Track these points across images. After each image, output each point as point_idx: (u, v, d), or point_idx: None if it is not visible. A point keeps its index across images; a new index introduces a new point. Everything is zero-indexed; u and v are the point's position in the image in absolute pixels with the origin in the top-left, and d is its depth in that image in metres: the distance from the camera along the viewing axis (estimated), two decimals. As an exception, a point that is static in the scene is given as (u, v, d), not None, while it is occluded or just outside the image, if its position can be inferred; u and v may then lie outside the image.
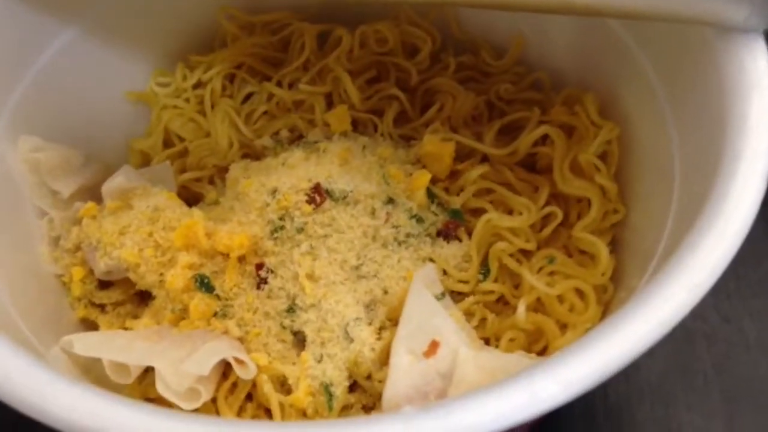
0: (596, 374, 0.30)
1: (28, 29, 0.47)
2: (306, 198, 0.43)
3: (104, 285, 0.48)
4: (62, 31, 0.49)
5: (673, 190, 0.42)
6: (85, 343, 0.41)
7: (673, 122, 0.44)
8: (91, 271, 0.47)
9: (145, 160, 0.55)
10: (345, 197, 0.44)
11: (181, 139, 0.54)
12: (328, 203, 0.43)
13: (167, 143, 0.55)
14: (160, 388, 0.39)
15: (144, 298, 0.48)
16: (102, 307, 0.48)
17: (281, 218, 0.44)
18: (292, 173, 0.45)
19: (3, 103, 0.46)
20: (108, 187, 0.48)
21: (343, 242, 0.43)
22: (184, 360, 0.39)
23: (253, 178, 0.46)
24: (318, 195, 0.43)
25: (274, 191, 0.44)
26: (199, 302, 0.43)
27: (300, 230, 0.43)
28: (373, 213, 0.44)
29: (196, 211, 0.46)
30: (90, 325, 0.47)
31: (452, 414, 0.28)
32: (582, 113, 0.49)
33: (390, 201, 0.45)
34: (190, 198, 0.52)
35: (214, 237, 0.44)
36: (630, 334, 0.31)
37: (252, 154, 0.52)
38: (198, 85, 0.55)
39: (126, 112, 0.55)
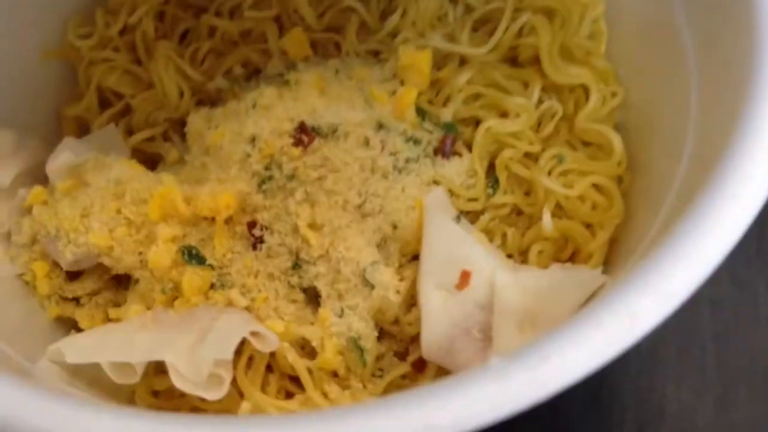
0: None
1: None
2: (292, 140, 0.38)
3: (73, 276, 0.42)
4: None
5: (682, 56, 0.39)
6: (78, 349, 0.36)
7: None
8: (56, 264, 0.41)
9: (82, 127, 0.48)
10: (335, 131, 0.39)
11: (120, 96, 0.47)
12: (317, 142, 0.38)
13: (103, 103, 0.48)
14: (177, 382, 0.34)
15: (122, 281, 0.42)
16: (76, 301, 0.42)
17: (267, 167, 0.39)
18: (269, 115, 0.39)
19: None
20: (53, 166, 0.41)
21: (341, 181, 0.38)
22: (196, 346, 0.35)
23: (223, 128, 0.40)
24: (305, 135, 0.38)
25: (252, 139, 0.39)
26: (191, 277, 0.38)
27: (291, 177, 0.38)
28: (367, 143, 0.39)
29: (165, 176, 0.40)
30: (67, 323, 0.42)
31: (548, 359, 0.25)
32: (561, -7, 0.45)
33: (381, 126, 0.40)
34: (147, 161, 0.46)
35: (195, 202, 0.39)
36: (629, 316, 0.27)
37: (206, 99, 0.46)
38: (124, 30, 0.48)
39: (48, 75, 0.47)
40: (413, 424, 0.24)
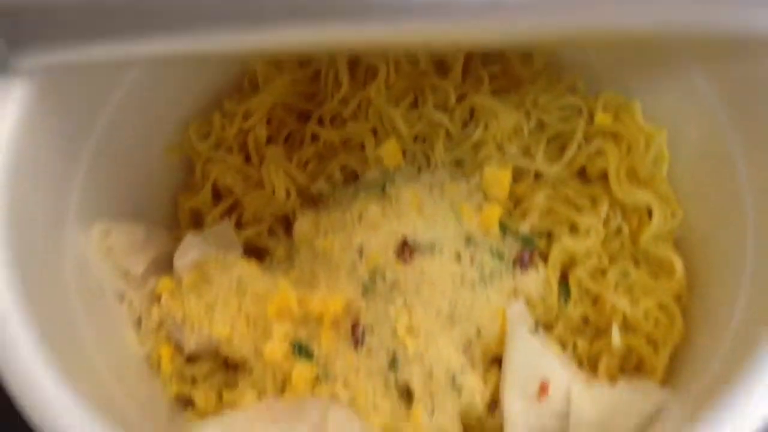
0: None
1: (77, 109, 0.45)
2: (395, 255, 0.44)
3: (191, 357, 0.48)
4: (104, 106, 0.47)
5: (737, 181, 0.44)
6: (209, 435, 0.41)
7: (729, 121, 0.46)
8: (177, 347, 0.47)
9: (194, 216, 0.54)
10: (432, 248, 0.45)
11: (230, 190, 0.53)
12: (416, 257, 0.44)
13: (214, 194, 0.54)
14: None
15: (231, 364, 0.48)
16: (192, 380, 0.48)
17: (372, 277, 0.44)
18: (376, 231, 0.45)
19: (68, 188, 0.45)
20: (181, 262, 0.48)
21: (436, 292, 0.44)
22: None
23: (332, 237, 0.46)
24: (407, 250, 0.44)
25: (360, 251, 0.45)
26: (300, 369, 0.44)
27: (393, 287, 0.44)
28: (458, 258, 0.45)
29: (281, 281, 0.46)
30: (184, 401, 0.48)
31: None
32: (629, 121, 0.50)
33: (469, 241, 0.46)
34: (252, 251, 0.52)
35: (307, 304, 0.45)
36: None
37: (307, 198, 0.52)
38: (237, 131, 0.54)
39: (168, 168, 0.54)
40: None
